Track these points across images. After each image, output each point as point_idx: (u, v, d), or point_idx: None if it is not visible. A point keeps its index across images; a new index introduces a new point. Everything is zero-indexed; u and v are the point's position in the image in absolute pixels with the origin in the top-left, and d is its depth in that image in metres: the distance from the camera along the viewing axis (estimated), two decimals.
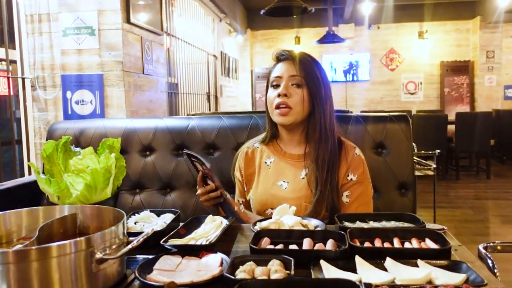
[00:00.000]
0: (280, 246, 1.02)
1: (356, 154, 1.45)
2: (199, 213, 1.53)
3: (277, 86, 1.41)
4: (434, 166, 3.36)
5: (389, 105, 8.90)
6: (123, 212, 0.96)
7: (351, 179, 1.43)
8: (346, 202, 1.43)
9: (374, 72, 9.02)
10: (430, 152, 3.93)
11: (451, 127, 6.81)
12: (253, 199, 1.50)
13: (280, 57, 1.45)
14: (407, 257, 0.91)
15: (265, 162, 1.50)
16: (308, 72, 1.40)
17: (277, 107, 1.40)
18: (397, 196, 1.68)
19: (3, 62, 2.73)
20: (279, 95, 1.39)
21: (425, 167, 3.38)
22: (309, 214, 1.35)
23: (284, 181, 1.45)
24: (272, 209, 1.39)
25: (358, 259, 0.90)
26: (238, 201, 1.57)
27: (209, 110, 6.50)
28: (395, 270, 0.86)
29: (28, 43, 2.77)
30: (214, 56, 6.79)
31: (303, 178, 1.44)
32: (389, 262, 0.89)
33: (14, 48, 2.77)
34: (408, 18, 8.52)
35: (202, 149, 1.78)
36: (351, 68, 9.05)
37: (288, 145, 1.49)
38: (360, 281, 0.80)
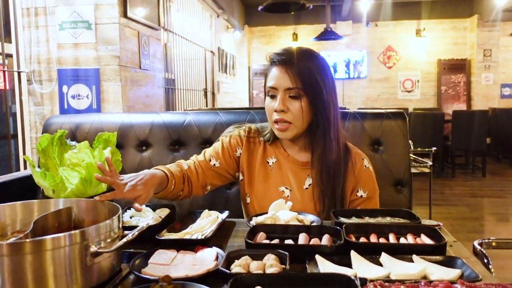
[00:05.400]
0: (275, 241, 1.02)
1: (365, 166, 1.38)
2: (194, 208, 1.53)
3: (274, 96, 1.30)
4: (430, 163, 3.38)
5: (386, 102, 8.91)
6: (118, 206, 0.96)
7: (361, 195, 1.37)
8: None
9: (372, 69, 9.03)
10: (427, 149, 3.96)
11: (448, 125, 6.83)
12: (250, 199, 1.43)
13: (274, 62, 1.31)
14: (403, 253, 0.91)
15: (267, 162, 1.42)
16: (306, 80, 1.26)
17: (276, 122, 1.30)
18: (393, 193, 1.68)
19: None
20: (275, 111, 1.28)
21: (421, 165, 3.39)
22: None
23: (286, 188, 1.38)
24: None
25: (353, 254, 0.90)
26: (210, 159, 1.42)
27: (206, 106, 6.49)
28: (391, 265, 0.86)
29: (24, 37, 2.75)
30: (212, 52, 6.78)
31: (306, 188, 1.37)
32: (384, 257, 0.89)
33: (10, 42, 2.75)
34: (405, 15, 8.53)
35: (199, 145, 1.77)
36: (348, 65, 9.05)
37: (291, 149, 1.41)
38: (356, 276, 0.80)
